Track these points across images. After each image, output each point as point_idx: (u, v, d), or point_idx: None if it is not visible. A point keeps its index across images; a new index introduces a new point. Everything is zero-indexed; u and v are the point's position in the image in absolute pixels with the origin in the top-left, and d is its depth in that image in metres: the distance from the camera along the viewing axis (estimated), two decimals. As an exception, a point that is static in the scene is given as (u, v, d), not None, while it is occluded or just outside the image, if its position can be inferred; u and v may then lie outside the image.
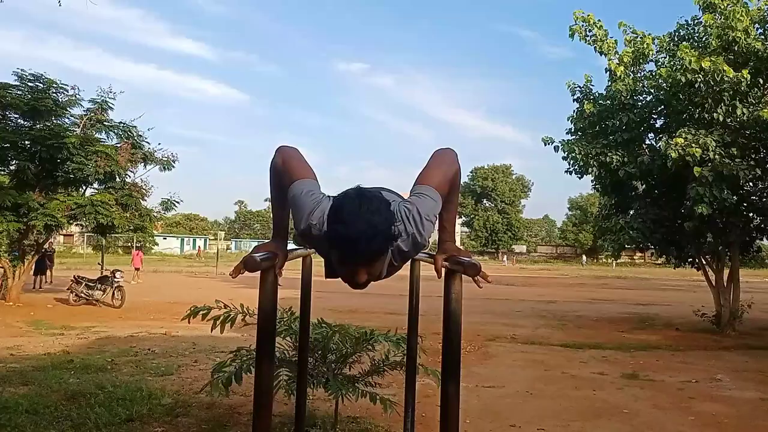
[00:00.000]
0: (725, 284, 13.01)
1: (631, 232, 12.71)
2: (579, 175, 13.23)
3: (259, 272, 1.66)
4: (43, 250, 17.41)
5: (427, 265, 2.47)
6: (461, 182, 2.11)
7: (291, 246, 2.07)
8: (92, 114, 15.33)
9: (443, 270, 1.75)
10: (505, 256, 67.97)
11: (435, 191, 1.83)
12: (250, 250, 1.79)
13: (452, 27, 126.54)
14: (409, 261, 2.85)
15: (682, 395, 7.21)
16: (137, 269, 24.98)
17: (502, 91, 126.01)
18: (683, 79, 10.89)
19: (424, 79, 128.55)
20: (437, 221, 1.96)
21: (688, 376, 8.25)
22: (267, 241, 1.98)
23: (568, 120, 13.60)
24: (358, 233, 1.50)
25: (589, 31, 12.54)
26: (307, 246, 2.82)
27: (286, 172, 1.88)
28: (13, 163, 14.36)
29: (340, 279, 2.00)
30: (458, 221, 67.93)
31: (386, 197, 1.66)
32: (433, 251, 2.00)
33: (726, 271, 13.16)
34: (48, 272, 21.11)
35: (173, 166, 16.41)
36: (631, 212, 13.61)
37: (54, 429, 5.07)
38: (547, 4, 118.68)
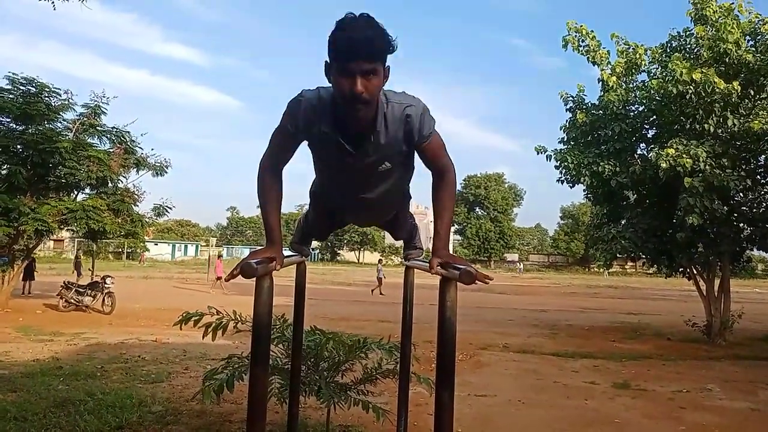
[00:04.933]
0: (716, 294, 13.07)
1: (622, 241, 12.76)
2: (571, 185, 13.29)
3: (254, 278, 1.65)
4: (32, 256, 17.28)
5: (420, 273, 2.47)
6: (456, 192, 2.15)
7: (286, 252, 2.07)
8: (85, 119, 15.27)
9: (436, 272, 1.76)
10: (521, 264, 68.22)
11: (437, 137, 1.99)
12: (245, 256, 1.79)
13: (445, 36, 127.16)
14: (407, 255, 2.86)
15: (672, 405, 7.22)
16: (219, 278, 22.69)
17: (495, 100, 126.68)
18: (674, 90, 10.98)
19: (416, 86, 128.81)
20: (432, 227, 2.00)
21: (679, 386, 8.26)
22: (262, 247, 1.98)
23: (560, 129, 13.67)
24: (360, 33, 1.67)
25: (582, 41, 12.64)
26: (302, 251, 2.83)
27: (272, 159, 2.02)
28: (5, 167, 14.25)
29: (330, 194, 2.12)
30: (451, 229, 68.01)
31: None
32: (426, 260, 2.00)
33: (717, 281, 13.22)
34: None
35: (166, 172, 16.36)
36: (623, 222, 13.67)
37: (42, 436, 5.02)
38: (541, 15, 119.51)
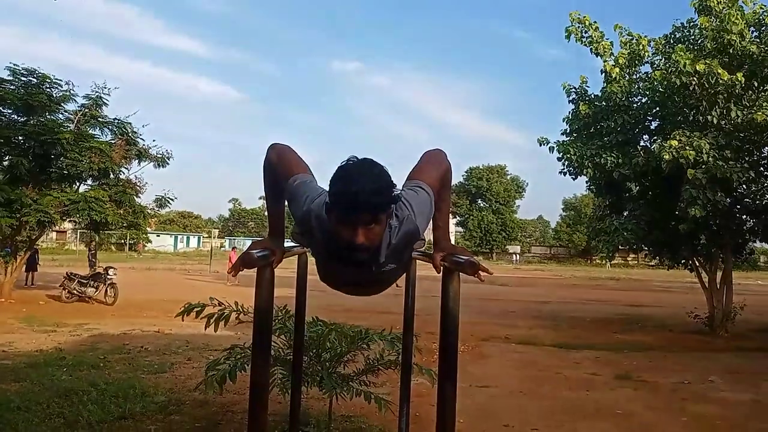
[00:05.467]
0: (718, 286, 13.07)
1: (625, 233, 12.74)
2: (573, 176, 13.25)
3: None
4: (35, 247, 17.32)
5: (422, 265, 2.46)
6: (453, 181, 2.14)
7: (288, 243, 2.07)
8: (86, 110, 15.26)
9: (439, 264, 1.76)
10: (516, 256, 68.26)
11: (428, 185, 1.89)
12: (247, 247, 1.78)
13: (448, 27, 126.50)
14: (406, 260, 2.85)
15: (675, 396, 7.24)
16: None
17: (498, 92, 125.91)
18: (678, 82, 10.93)
19: (419, 78, 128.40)
20: (431, 220, 1.99)
21: (681, 378, 8.27)
22: (263, 238, 1.97)
23: (563, 121, 13.62)
24: (361, 186, 1.58)
25: (585, 32, 12.56)
26: (304, 243, 2.82)
27: (281, 167, 1.91)
28: (7, 158, 14.26)
29: (333, 287, 2.02)
30: (453, 221, 68.01)
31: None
32: (429, 251, 2.00)
33: (719, 273, 13.22)
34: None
35: (168, 163, 16.37)
36: (626, 214, 13.65)
37: (46, 426, 5.05)
38: (543, 6, 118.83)
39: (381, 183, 1.63)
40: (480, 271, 1.63)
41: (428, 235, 2.03)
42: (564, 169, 13.17)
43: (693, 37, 12.62)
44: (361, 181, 1.59)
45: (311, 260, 2.50)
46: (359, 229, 1.62)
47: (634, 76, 12.91)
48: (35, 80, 14.23)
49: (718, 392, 7.57)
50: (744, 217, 13.14)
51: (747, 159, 12.01)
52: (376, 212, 1.62)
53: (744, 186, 12.37)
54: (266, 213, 2.00)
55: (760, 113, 10.73)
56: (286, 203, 1.94)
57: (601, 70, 12.59)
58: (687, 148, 10.72)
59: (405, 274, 2.97)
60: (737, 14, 11.15)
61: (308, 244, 1.99)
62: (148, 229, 21.71)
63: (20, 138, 13.97)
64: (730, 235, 12.28)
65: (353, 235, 1.63)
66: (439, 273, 1.75)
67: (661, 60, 12.78)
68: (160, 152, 16.24)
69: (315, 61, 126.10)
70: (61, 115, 15.04)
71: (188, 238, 70.59)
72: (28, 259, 16.99)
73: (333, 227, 1.69)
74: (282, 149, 1.97)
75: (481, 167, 76.69)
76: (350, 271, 1.89)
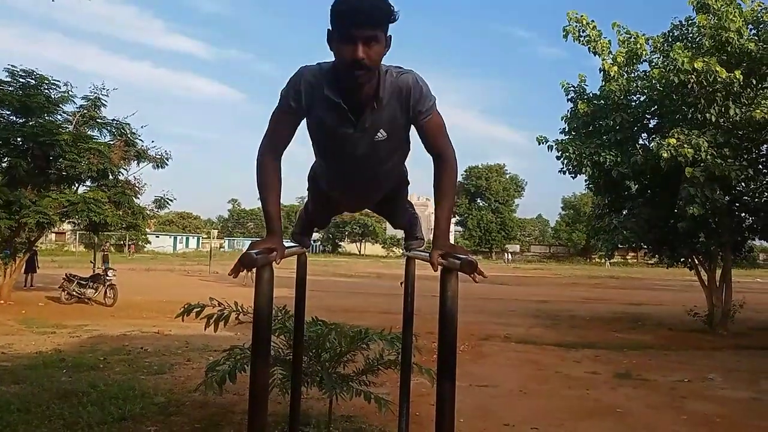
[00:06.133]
0: (717, 284, 13.07)
1: (624, 231, 12.75)
2: (572, 175, 13.26)
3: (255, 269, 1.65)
4: (33, 248, 17.30)
5: (421, 264, 2.47)
6: (457, 181, 2.14)
7: (286, 243, 2.07)
8: (85, 111, 15.25)
9: (437, 263, 1.76)
10: (508, 255, 68.21)
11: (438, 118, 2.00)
12: (247, 247, 1.79)
13: (447, 26, 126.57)
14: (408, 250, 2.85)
15: (674, 395, 7.24)
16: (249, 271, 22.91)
17: (496, 91, 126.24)
18: (676, 80, 10.93)
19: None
20: (432, 217, 2.00)
21: (681, 376, 8.28)
22: (262, 238, 1.97)
23: (562, 120, 13.62)
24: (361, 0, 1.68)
25: (583, 31, 12.55)
26: (303, 242, 2.82)
27: (266, 143, 2.01)
28: (5, 160, 14.25)
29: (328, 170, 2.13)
30: (452, 220, 67.91)
31: None
32: (428, 251, 2.00)
33: (718, 271, 13.23)
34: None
35: (167, 164, 16.36)
36: (625, 212, 13.66)
37: (46, 428, 5.04)
38: (542, 5, 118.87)
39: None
40: (475, 273, 1.63)
41: (427, 234, 2.04)
42: (563, 167, 13.18)
43: (691, 35, 12.62)
44: None
45: (311, 260, 2.50)
46: (360, 44, 1.68)
47: (633, 75, 12.90)
48: (33, 81, 14.23)
49: (717, 390, 7.57)
50: (743, 214, 13.15)
51: (745, 157, 12.01)
52: (376, 25, 1.70)
53: (743, 184, 12.38)
54: (262, 212, 2.00)
55: (758, 111, 10.72)
56: (289, 109, 1.97)
57: (600, 68, 12.59)
58: (685, 146, 10.72)
59: (404, 272, 2.98)
60: (735, 12, 11.15)
61: (308, 114, 2.01)
62: (148, 230, 21.66)
63: (19, 139, 13.95)
64: (729, 233, 12.28)
65: (354, 50, 1.69)
66: (436, 271, 1.75)
67: (659, 58, 12.78)
68: (159, 153, 16.26)
69: (314, 60, 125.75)
70: (59, 117, 15.05)
71: (187, 239, 70.58)
72: (27, 261, 16.97)
73: (335, 51, 1.76)
74: (264, 140, 2.02)
75: (480, 166, 76.74)
76: (346, 134, 1.95)
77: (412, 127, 2.04)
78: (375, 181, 2.29)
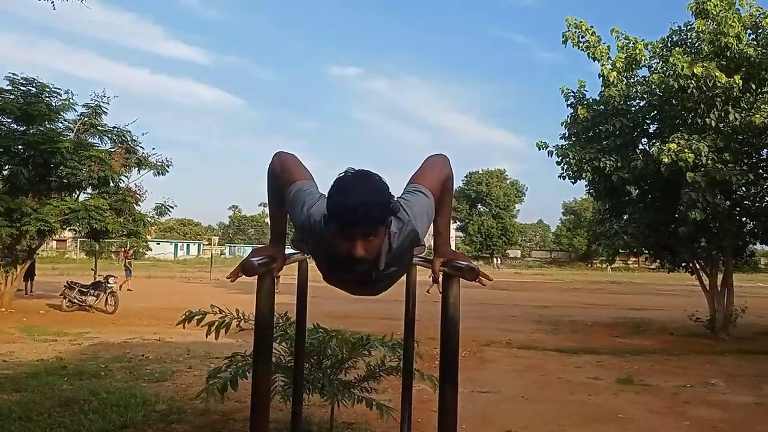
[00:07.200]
0: (719, 289, 13.06)
1: (625, 236, 12.76)
2: (573, 180, 13.28)
3: (256, 276, 1.66)
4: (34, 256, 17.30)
5: (423, 270, 2.47)
6: (454, 187, 2.14)
7: (289, 250, 2.07)
8: (86, 118, 15.29)
9: (441, 274, 1.76)
10: (497, 259, 67.98)
11: (428, 189, 1.90)
12: (248, 254, 1.79)
13: (446, 32, 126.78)
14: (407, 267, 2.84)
15: (677, 400, 7.22)
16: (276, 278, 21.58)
17: (496, 96, 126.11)
18: (676, 85, 10.96)
19: (417, 83, 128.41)
20: (432, 224, 1.99)
21: (683, 381, 8.26)
22: (264, 245, 1.98)
23: (561, 125, 13.66)
24: (358, 199, 1.58)
25: (582, 37, 12.60)
26: (304, 250, 2.83)
27: (284, 174, 1.93)
28: (6, 167, 14.28)
29: (336, 287, 2.02)
30: (453, 226, 67.89)
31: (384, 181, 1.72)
32: (429, 257, 2.00)
33: (720, 276, 13.21)
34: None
35: (167, 171, 16.39)
36: (626, 217, 13.67)
37: (47, 436, 5.03)
38: (541, 10, 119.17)
39: (378, 196, 1.62)
40: (480, 277, 1.63)
41: (428, 240, 2.04)
42: (563, 173, 13.21)
43: (690, 40, 12.66)
44: (358, 194, 1.58)
45: (312, 267, 2.50)
46: (358, 241, 1.62)
47: (632, 80, 12.95)
48: (34, 89, 14.26)
49: (720, 395, 7.55)
50: (744, 219, 13.14)
51: (746, 161, 12.03)
52: (373, 225, 1.62)
53: (743, 188, 12.38)
54: (267, 220, 2.01)
55: (758, 116, 10.75)
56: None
57: (599, 74, 12.63)
58: (686, 151, 10.74)
59: (405, 279, 2.98)
60: (734, 17, 11.19)
61: (309, 251, 1.99)
62: (148, 237, 21.70)
63: (20, 147, 13.98)
64: (731, 237, 12.28)
65: (352, 247, 1.63)
66: (438, 279, 1.75)
67: (658, 63, 12.81)
68: (160, 160, 16.27)
69: (314, 66, 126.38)
70: (60, 124, 15.07)
71: (188, 246, 70.53)
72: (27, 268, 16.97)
73: (332, 238, 1.69)
74: (285, 158, 1.98)
75: (480, 172, 76.77)
76: (351, 276, 1.89)
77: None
78: (383, 287, 2.25)
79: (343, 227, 1.61)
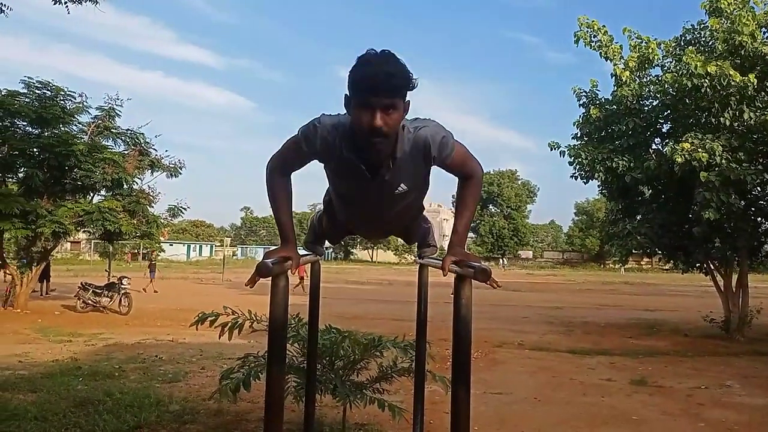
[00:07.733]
0: (734, 289, 12.92)
1: (638, 237, 12.66)
2: (585, 180, 13.20)
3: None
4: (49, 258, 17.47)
5: (434, 271, 2.47)
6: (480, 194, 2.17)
7: (300, 252, 2.08)
8: (99, 121, 15.45)
9: (449, 270, 1.76)
10: (504, 260, 67.70)
11: (456, 146, 1.96)
12: (262, 256, 1.80)
13: (457, 33, 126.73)
14: (420, 263, 2.85)
15: (691, 401, 7.16)
16: (302, 278, 19.05)
17: (507, 96, 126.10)
18: (689, 84, 10.86)
19: (428, 84, 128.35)
20: (452, 221, 2.02)
21: (697, 383, 8.19)
22: (277, 246, 1.99)
23: (574, 125, 13.58)
24: (381, 68, 1.68)
25: (594, 36, 12.52)
26: (316, 251, 2.84)
27: (277, 162, 2.01)
28: (22, 170, 14.47)
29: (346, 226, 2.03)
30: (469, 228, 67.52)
31: None
32: (440, 258, 2.00)
33: (734, 277, 13.08)
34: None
35: (180, 173, 16.52)
36: (639, 217, 13.56)
37: (62, 436, 5.08)
38: (552, 10, 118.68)
39: (400, 67, 1.72)
40: (490, 282, 1.64)
41: (440, 241, 2.04)
42: (575, 173, 13.14)
43: (704, 39, 12.55)
44: (381, 64, 1.69)
45: (324, 268, 2.52)
46: (378, 112, 1.69)
47: (645, 79, 12.84)
48: (49, 93, 14.43)
49: (735, 397, 7.48)
50: (759, 219, 12.99)
51: (761, 161, 11.89)
52: (394, 93, 1.70)
53: (758, 188, 12.23)
54: (276, 222, 2.02)
55: (773, 115, 10.63)
56: (303, 148, 1.95)
57: (611, 73, 12.55)
58: (699, 150, 10.64)
59: (417, 279, 2.98)
60: (748, 15, 11.08)
61: (324, 162, 2.03)
62: (161, 238, 21.83)
63: (35, 150, 14.13)
64: (745, 237, 12.14)
65: (372, 117, 1.70)
66: (445, 275, 1.76)
67: (671, 62, 12.71)
68: (173, 162, 16.42)
69: (324, 68, 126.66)
70: (74, 127, 15.24)
71: (201, 247, 70.97)
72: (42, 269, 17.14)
73: (352, 117, 1.76)
74: (275, 158, 2.02)
75: (492, 172, 76.62)
76: (364, 187, 1.96)
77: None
78: (394, 221, 2.34)
79: (366, 95, 1.69)
